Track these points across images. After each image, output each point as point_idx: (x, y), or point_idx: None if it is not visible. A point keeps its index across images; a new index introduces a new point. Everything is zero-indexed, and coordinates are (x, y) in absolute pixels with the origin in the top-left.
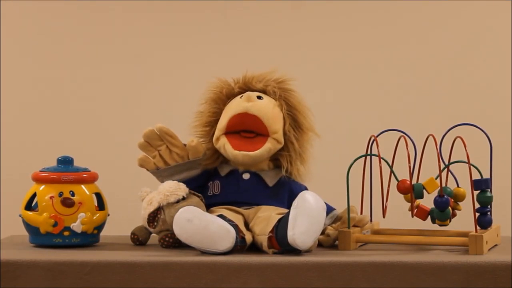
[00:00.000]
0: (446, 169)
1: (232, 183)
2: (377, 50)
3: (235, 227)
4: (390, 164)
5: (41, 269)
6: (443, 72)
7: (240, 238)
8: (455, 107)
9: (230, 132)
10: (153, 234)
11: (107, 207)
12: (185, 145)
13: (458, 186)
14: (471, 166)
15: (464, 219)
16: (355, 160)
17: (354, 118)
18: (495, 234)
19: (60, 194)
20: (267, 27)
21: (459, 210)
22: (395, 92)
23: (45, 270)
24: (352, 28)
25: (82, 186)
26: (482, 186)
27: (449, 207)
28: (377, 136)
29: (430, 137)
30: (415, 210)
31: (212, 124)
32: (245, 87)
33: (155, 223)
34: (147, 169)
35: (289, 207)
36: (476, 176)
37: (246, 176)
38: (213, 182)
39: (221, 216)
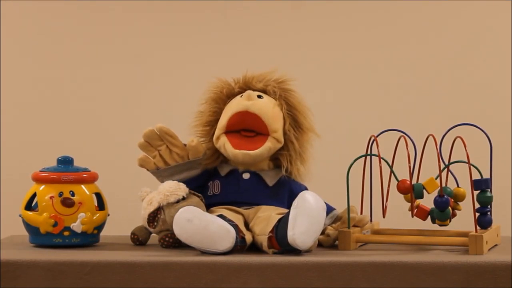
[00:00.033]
0: (446, 169)
1: (232, 182)
2: (377, 50)
3: (235, 227)
4: (390, 164)
5: (41, 269)
6: (443, 72)
7: (240, 238)
8: (455, 107)
9: (230, 131)
10: (153, 234)
11: (107, 207)
12: (185, 145)
13: (458, 186)
14: (471, 166)
15: (464, 219)
16: (355, 160)
17: (354, 118)
18: (495, 234)
19: (60, 194)
20: (267, 27)
21: (459, 210)
22: (395, 92)
23: (45, 270)
24: (352, 28)
25: (82, 186)
26: (482, 186)
27: (449, 207)
28: (377, 136)
29: (430, 137)
30: (415, 210)
31: (212, 123)
32: (245, 87)
33: (155, 223)
34: (147, 169)
35: (289, 207)
36: (476, 176)
37: (246, 175)
38: (213, 182)
39: (221, 216)
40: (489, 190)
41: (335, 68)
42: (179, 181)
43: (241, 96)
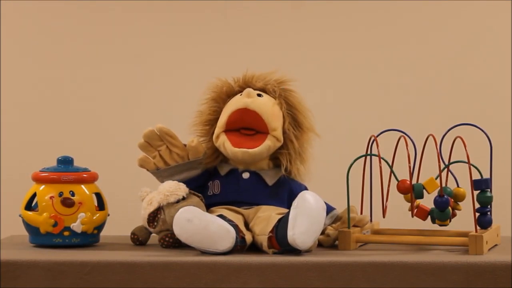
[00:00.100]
0: (446, 169)
1: (232, 182)
2: (377, 50)
3: (235, 227)
4: (390, 164)
5: (41, 269)
6: (443, 72)
7: (240, 238)
8: (455, 107)
9: (230, 129)
10: (153, 234)
11: (107, 207)
12: (185, 145)
13: (458, 186)
14: (471, 166)
15: (464, 219)
16: (355, 160)
17: (354, 118)
18: (495, 234)
19: (60, 194)
20: (267, 27)
21: (459, 210)
22: (395, 92)
23: (45, 270)
24: (352, 28)
25: (82, 186)
26: (482, 186)
27: (449, 207)
28: (377, 136)
29: (430, 137)
30: (415, 210)
31: (212, 122)
32: (245, 86)
33: (155, 223)
34: (147, 169)
35: (289, 206)
36: (476, 176)
37: (245, 175)
38: (213, 181)
39: (221, 216)
40: (489, 190)
41: (335, 68)
42: (179, 181)
43: (240, 95)
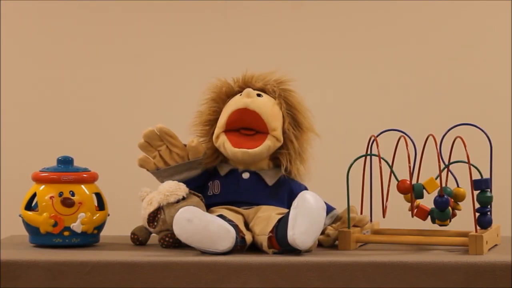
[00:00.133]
0: (446, 169)
1: (232, 182)
2: (377, 50)
3: (235, 227)
4: (390, 164)
5: (41, 269)
6: (443, 72)
7: (240, 238)
8: (455, 107)
9: (229, 130)
10: (153, 234)
11: (107, 207)
12: (185, 145)
13: (458, 186)
14: (471, 166)
15: (464, 219)
16: (355, 160)
17: (354, 118)
18: (495, 234)
19: (60, 194)
20: (267, 27)
21: (459, 210)
22: (395, 92)
23: (45, 270)
24: (352, 28)
25: (82, 186)
26: (482, 186)
27: (449, 207)
28: (377, 136)
29: (430, 137)
30: (415, 210)
31: (211, 123)
32: (244, 86)
33: (155, 223)
34: (147, 169)
35: (289, 206)
36: (476, 176)
37: (245, 175)
38: (213, 182)
39: (221, 216)
40: (489, 190)
41: (335, 68)
42: (179, 181)
43: (240, 95)
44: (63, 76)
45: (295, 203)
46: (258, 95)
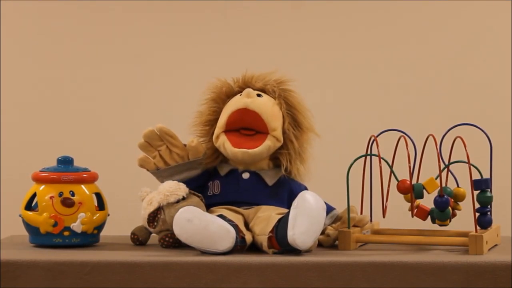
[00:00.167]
0: (446, 169)
1: (232, 182)
2: (377, 50)
3: (235, 227)
4: (390, 164)
5: (41, 269)
6: (443, 72)
7: (240, 238)
8: (455, 107)
9: (229, 130)
10: (153, 234)
11: (107, 207)
12: (185, 145)
13: (458, 186)
14: (471, 166)
15: (464, 219)
16: (355, 160)
17: (354, 118)
18: (495, 234)
19: (60, 194)
20: (267, 27)
21: (459, 210)
22: (395, 92)
23: (45, 270)
24: (352, 28)
25: (82, 186)
26: (482, 186)
27: (449, 207)
28: (377, 136)
29: (430, 137)
30: (415, 210)
31: (211, 123)
32: (244, 86)
33: (155, 223)
34: (147, 169)
35: (289, 206)
36: (476, 176)
37: (245, 175)
38: (213, 182)
39: (221, 216)
40: (489, 190)
41: (335, 68)
42: (179, 181)
43: (240, 95)
44: (63, 76)
45: (295, 203)
46: (258, 95)
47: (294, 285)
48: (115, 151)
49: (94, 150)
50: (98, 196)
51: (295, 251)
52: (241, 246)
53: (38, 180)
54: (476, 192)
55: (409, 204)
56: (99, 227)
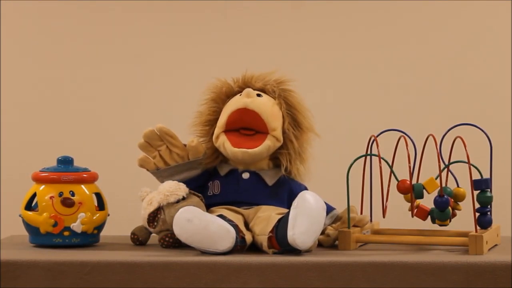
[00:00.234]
0: (446, 169)
1: (231, 182)
2: (377, 50)
3: (235, 227)
4: (390, 164)
5: (41, 269)
6: (443, 72)
7: (240, 238)
8: (455, 107)
9: (229, 130)
10: (153, 234)
11: (107, 207)
12: (185, 145)
13: (458, 186)
14: (471, 166)
15: (464, 219)
16: (355, 160)
17: (354, 118)
18: (495, 234)
19: (60, 194)
20: (267, 27)
21: (459, 210)
22: (395, 92)
23: (45, 270)
24: (352, 28)
25: (82, 186)
26: (482, 186)
27: (449, 207)
28: (377, 136)
29: (430, 137)
30: (415, 210)
31: (211, 123)
32: (244, 86)
33: (155, 223)
34: (147, 169)
35: (289, 206)
36: (476, 176)
37: (245, 175)
38: (213, 182)
39: (221, 216)
40: (489, 190)
41: (335, 68)
42: (179, 181)
43: (240, 95)
44: (63, 76)
45: (295, 203)
46: (258, 95)
47: (294, 285)
48: (115, 151)
49: (94, 150)
50: (98, 196)
51: (295, 251)
52: (241, 246)
53: (38, 180)
54: (476, 192)
55: (409, 204)
56: (99, 227)
